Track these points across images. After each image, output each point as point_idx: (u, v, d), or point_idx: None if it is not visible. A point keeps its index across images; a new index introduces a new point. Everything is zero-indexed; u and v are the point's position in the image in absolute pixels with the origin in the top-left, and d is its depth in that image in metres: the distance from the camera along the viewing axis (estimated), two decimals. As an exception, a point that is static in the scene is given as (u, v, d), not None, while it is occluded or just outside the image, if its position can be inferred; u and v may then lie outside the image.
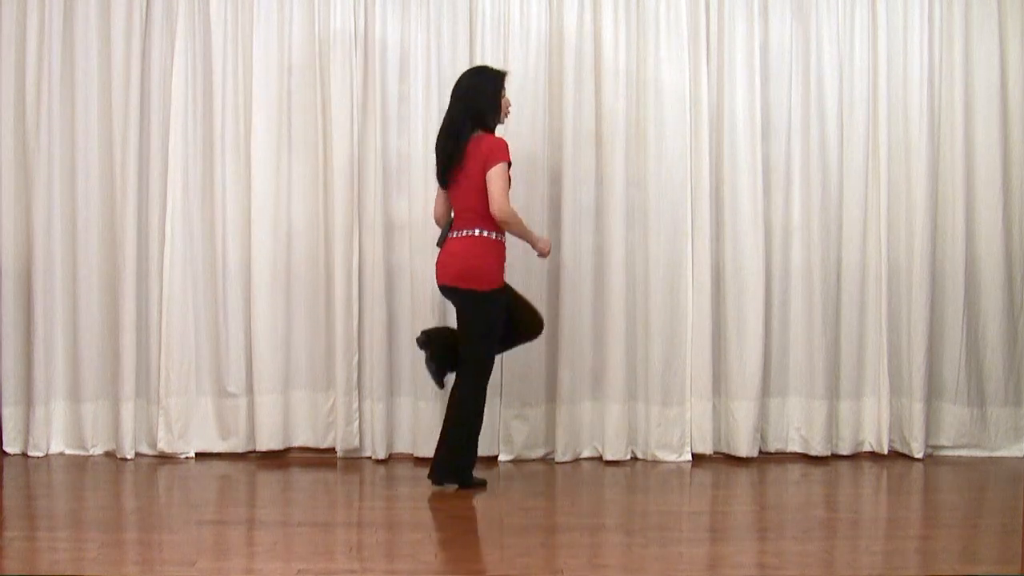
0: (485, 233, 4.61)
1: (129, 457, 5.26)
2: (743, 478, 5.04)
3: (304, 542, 3.93)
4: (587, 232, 5.31)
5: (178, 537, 4.00)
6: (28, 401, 5.31)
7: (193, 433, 5.33)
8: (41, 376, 5.29)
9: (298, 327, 5.34)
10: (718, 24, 5.35)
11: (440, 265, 4.69)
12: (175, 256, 5.27)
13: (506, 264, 4.72)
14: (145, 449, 5.35)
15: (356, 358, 5.31)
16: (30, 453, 5.30)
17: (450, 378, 4.77)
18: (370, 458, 5.33)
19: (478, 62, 5.27)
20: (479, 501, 4.61)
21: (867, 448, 5.44)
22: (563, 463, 5.28)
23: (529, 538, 4.03)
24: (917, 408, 5.36)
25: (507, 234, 4.68)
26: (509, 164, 4.59)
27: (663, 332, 5.32)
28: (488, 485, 4.79)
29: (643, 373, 5.33)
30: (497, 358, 5.27)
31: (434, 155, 5.29)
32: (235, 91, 5.30)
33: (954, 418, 5.45)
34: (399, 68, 5.34)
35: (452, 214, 4.74)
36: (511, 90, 5.24)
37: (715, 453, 5.40)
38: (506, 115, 4.79)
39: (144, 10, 5.26)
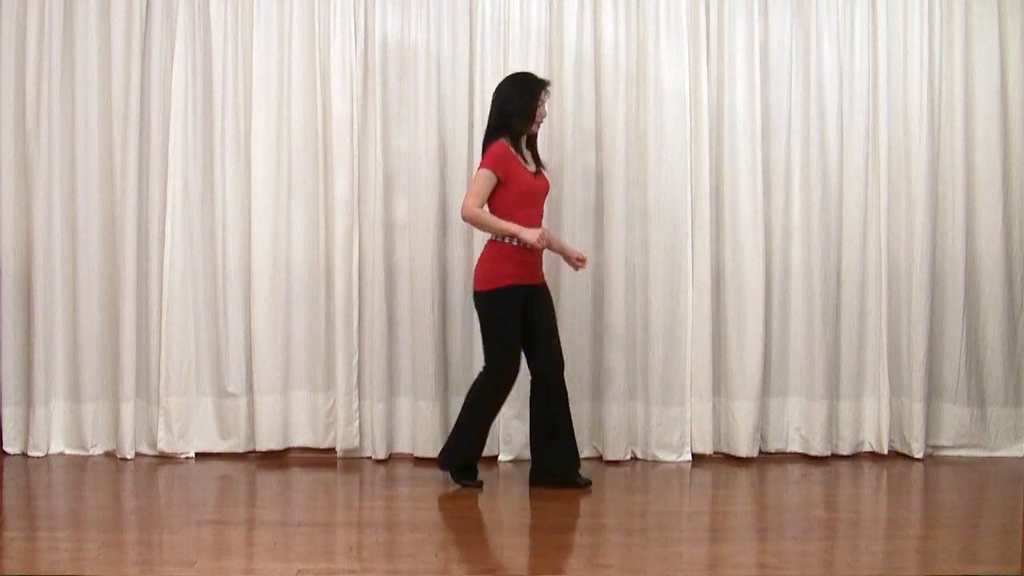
0: (495, 236, 4.68)
1: (129, 457, 5.26)
2: (743, 478, 5.04)
3: (304, 542, 3.93)
4: (587, 232, 5.32)
5: (178, 537, 4.00)
6: (28, 401, 5.31)
7: (193, 433, 5.33)
8: (41, 376, 5.29)
9: (298, 327, 5.34)
10: (718, 24, 5.35)
11: None
12: (175, 256, 5.27)
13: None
14: (145, 449, 5.35)
15: (356, 358, 5.31)
16: (30, 453, 5.30)
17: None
18: (370, 458, 5.33)
19: (478, 62, 5.28)
20: (479, 501, 4.61)
21: (867, 448, 5.44)
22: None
23: (529, 538, 4.03)
24: (917, 408, 5.36)
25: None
26: (496, 171, 4.59)
27: (663, 332, 5.31)
28: (485, 486, 4.78)
29: (643, 373, 5.33)
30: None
31: (434, 155, 5.33)
32: (235, 91, 5.30)
33: (954, 418, 5.45)
34: (399, 68, 5.34)
35: None
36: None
37: (715, 453, 5.40)
38: (538, 124, 4.77)
39: (144, 10, 5.26)
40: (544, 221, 5.28)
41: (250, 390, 5.32)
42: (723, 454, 5.41)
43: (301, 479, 5.03)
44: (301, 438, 5.36)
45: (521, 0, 5.30)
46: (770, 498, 4.78)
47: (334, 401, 5.33)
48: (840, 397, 5.41)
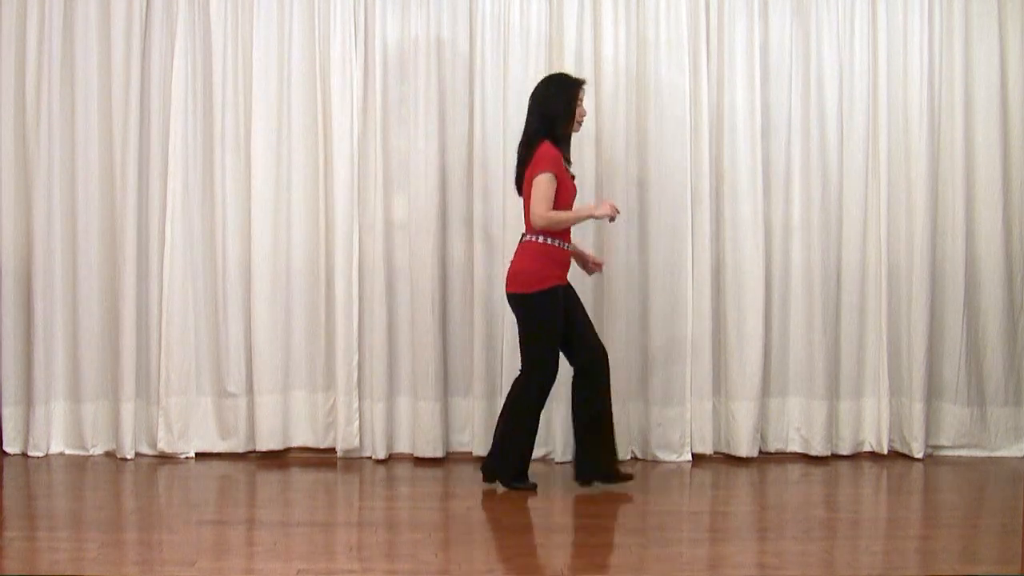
0: (531, 238, 4.61)
1: (129, 457, 5.26)
2: (743, 478, 5.04)
3: (304, 542, 3.93)
4: (587, 232, 5.31)
5: (178, 537, 4.00)
6: (28, 401, 5.31)
7: (193, 433, 5.33)
8: (41, 376, 5.29)
9: (298, 327, 5.34)
10: (718, 24, 5.35)
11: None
12: (175, 256, 5.27)
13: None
14: (145, 449, 5.34)
15: (356, 358, 5.31)
16: (30, 453, 5.30)
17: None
18: (370, 458, 5.33)
19: (478, 62, 5.28)
20: (479, 501, 4.61)
21: (867, 448, 5.44)
22: (563, 463, 5.27)
23: (529, 538, 4.03)
24: (917, 408, 5.36)
25: (570, 237, 4.67)
26: (556, 174, 4.55)
27: (663, 332, 5.31)
28: (484, 486, 4.78)
29: (643, 373, 5.33)
30: (497, 357, 5.30)
31: (434, 155, 5.32)
32: (235, 91, 5.30)
33: (954, 418, 5.45)
34: (399, 68, 5.34)
35: None
36: (513, 92, 5.27)
37: (715, 453, 5.40)
38: (579, 124, 4.75)
39: (144, 10, 5.26)
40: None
41: (250, 390, 5.32)
42: (723, 454, 5.40)
43: (301, 479, 5.03)
44: (301, 438, 5.36)
45: (521, 0, 5.30)
46: (770, 498, 4.78)
47: (334, 401, 5.33)
48: (840, 397, 5.41)
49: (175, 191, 5.27)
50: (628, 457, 5.31)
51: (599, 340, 4.76)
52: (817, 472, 5.18)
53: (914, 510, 4.70)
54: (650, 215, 5.32)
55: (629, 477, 4.75)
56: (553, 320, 4.61)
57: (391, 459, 5.34)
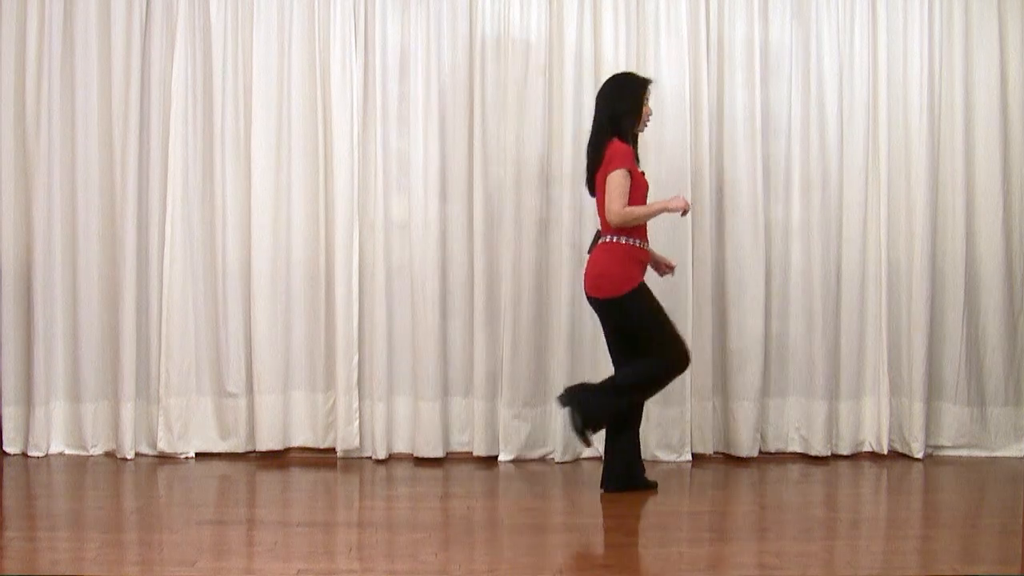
0: (612, 239, 4.56)
1: (129, 457, 5.26)
2: (743, 478, 5.04)
3: (304, 542, 3.93)
4: (587, 232, 5.30)
5: (178, 537, 4.00)
6: (28, 401, 5.31)
7: (193, 433, 5.33)
8: (41, 376, 5.29)
9: (298, 327, 5.34)
10: (718, 24, 5.35)
11: (584, 276, 4.69)
12: (175, 256, 5.27)
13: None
14: (145, 449, 5.35)
15: (356, 358, 5.31)
16: (30, 453, 5.30)
17: (597, 437, 4.72)
18: (370, 458, 5.33)
19: (478, 62, 5.28)
20: (479, 501, 4.61)
21: (867, 448, 5.44)
22: (563, 463, 5.28)
23: (529, 538, 4.03)
24: (917, 408, 5.36)
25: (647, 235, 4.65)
26: (631, 170, 4.53)
27: (663, 332, 5.31)
28: (484, 486, 4.78)
29: (643, 373, 5.33)
30: (497, 357, 5.30)
31: (434, 155, 5.31)
32: (235, 91, 5.30)
33: (954, 418, 5.45)
34: (399, 68, 5.34)
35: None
36: (513, 92, 5.27)
37: (715, 453, 5.40)
38: (646, 123, 4.73)
39: (144, 10, 5.26)
40: (544, 221, 5.31)
41: (250, 390, 5.32)
42: (723, 454, 5.41)
43: (301, 479, 5.03)
44: (301, 438, 5.36)
45: (521, 1, 5.30)
46: (770, 498, 4.78)
47: (334, 401, 5.33)
48: (840, 397, 5.41)
49: (175, 191, 5.27)
50: (628, 457, 5.31)
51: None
52: (817, 472, 5.18)
53: (914, 510, 4.69)
54: (650, 215, 5.32)
55: (654, 485, 4.74)
56: (654, 306, 4.57)
57: (391, 459, 5.34)
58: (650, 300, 4.58)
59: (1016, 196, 5.44)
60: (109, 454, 5.34)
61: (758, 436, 5.37)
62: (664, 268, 4.84)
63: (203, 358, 5.34)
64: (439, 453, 5.30)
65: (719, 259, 5.36)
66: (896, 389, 5.42)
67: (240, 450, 5.34)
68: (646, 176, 4.70)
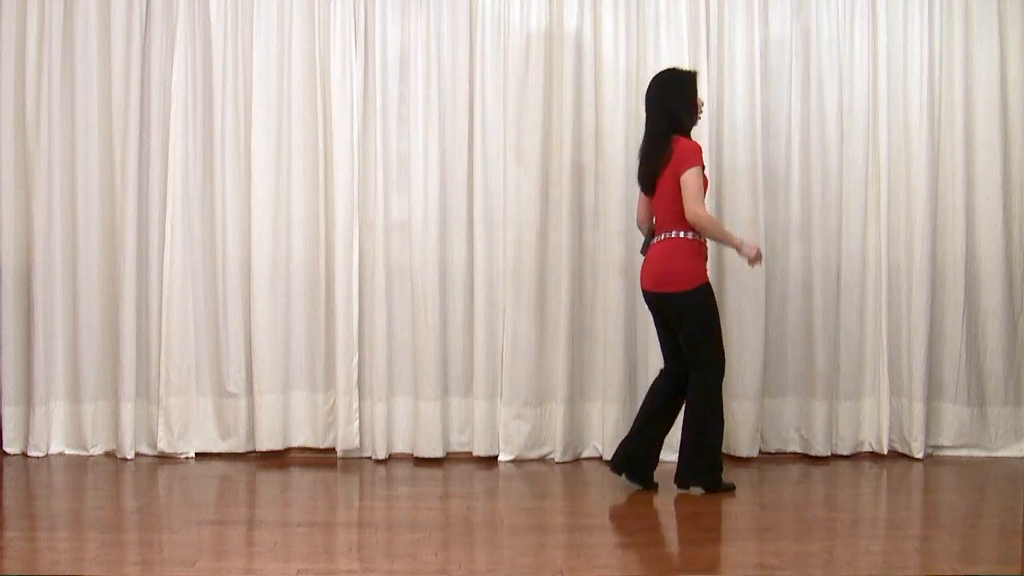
0: (680, 234, 4.56)
1: (129, 457, 5.26)
2: (743, 478, 5.03)
3: (304, 542, 3.93)
4: (587, 232, 5.31)
5: (178, 537, 4.00)
6: (28, 401, 5.31)
7: (193, 433, 5.33)
8: (41, 376, 5.29)
9: (298, 327, 5.34)
10: (718, 24, 5.35)
11: (642, 272, 4.69)
12: (175, 256, 5.27)
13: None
14: (145, 449, 5.34)
15: (356, 358, 5.31)
16: (30, 453, 5.30)
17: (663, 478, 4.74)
18: (370, 458, 5.33)
19: (478, 62, 5.28)
20: (479, 501, 4.61)
21: (867, 448, 5.44)
22: (563, 463, 5.28)
23: (529, 538, 4.03)
24: (917, 408, 5.36)
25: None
26: (703, 167, 4.55)
27: (663, 332, 5.31)
28: (484, 486, 4.78)
29: (643, 373, 5.32)
30: (497, 357, 5.30)
31: (434, 155, 5.30)
32: (235, 91, 5.30)
33: (954, 418, 5.45)
34: (399, 68, 5.34)
35: (654, 220, 4.70)
36: (513, 92, 5.27)
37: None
38: (699, 115, 4.73)
39: (144, 10, 5.26)
40: (544, 221, 5.30)
41: (250, 390, 5.32)
42: (723, 454, 5.39)
43: (301, 479, 5.03)
44: (301, 438, 5.36)
45: (521, 1, 5.30)
46: (770, 498, 4.78)
47: (334, 401, 5.33)
48: (840, 397, 5.41)
49: (175, 191, 5.26)
50: (628, 457, 5.30)
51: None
52: (817, 472, 5.18)
53: (914, 510, 4.69)
54: (650, 215, 5.31)
55: (731, 488, 4.71)
56: (716, 311, 4.61)
57: (391, 459, 5.34)
58: (713, 302, 4.63)
59: (1016, 196, 5.44)
60: (109, 454, 5.34)
61: (758, 436, 5.37)
62: (756, 259, 4.75)
63: (203, 358, 5.34)
64: (439, 453, 5.30)
65: (719, 259, 5.35)
66: (896, 389, 5.42)
67: (240, 450, 5.34)
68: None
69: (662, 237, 4.61)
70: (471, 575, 3.58)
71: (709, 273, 5.25)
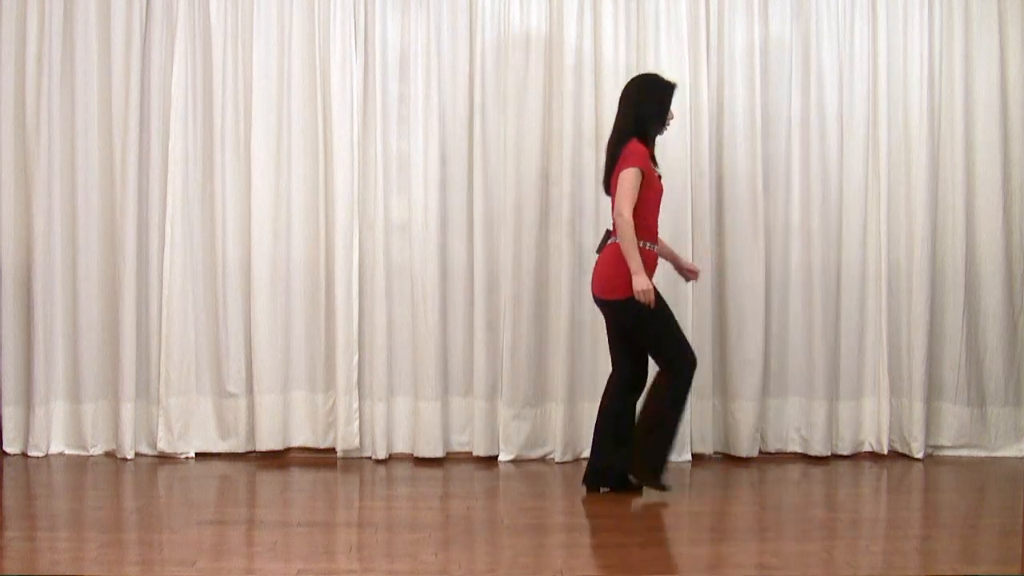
0: (619, 240, 4.53)
1: (129, 457, 5.26)
2: (743, 478, 5.04)
3: (304, 542, 3.93)
4: (587, 232, 5.31)
5: (178, 537, 4.00)
6: (28, 401, 5.31)
7: (193, 433, 5.33)
8: (41, 376, 5.29)
9: (298, 327, 5.34)
10: (718, 24, 5.35)
11: (592, 276, 4.67)
12: (175, 256, 5.27)
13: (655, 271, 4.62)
14: (145, 449, 5.35)
15: (356, 358, 5.31)
16: (30, 453, 5.30)
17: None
18: (370, 458, 5.33)
19: (478, 62, 5.28)
20: (480, 502, 4.61)
21: (867, 448, 5.44)
22: (563, 463, 5.28)
23: (529, 538, 4.03)
24: (917, 408, 5.36)
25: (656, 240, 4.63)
26: (643, 170, 4.50)
27: (663, 332, 5.31)
28: (484, 486, 4.78)
29: (643, 373, 5.33)
30: (498, 357, 5.30)
31: (434, 155, 5.31)
32: (235, 91, 5.30)
33: (954, 418, 5.45)
34: (399, 68, 5.34)
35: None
36: (513, 92, 5.27)
37: (715, 453, 5.40)
38: (667, 127, 4.71)
39: (144, 10, 5.26)
40: (544, 221, 5.30)
41: (250, 390, 5.32)
42: (723, 454, 5.40)
43: (301, 479, 5.03)
44: (301, 438, 5.36)
45: (521, 1, 5.30)
46: (770, 498, 4.78)
47: (334, 401, 5.33)
48: (840, 397, 5.41)
49: (175, 191, 5.27)
50: (628, 457, 5.30)
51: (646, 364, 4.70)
52: (817, 472, 5.18)
53: (914, 510, 4.69)
54: (650, 215, 5.31)
55: (667, 488, 4.66)
56: (662, 309, 4.54)
57: (391, 459, 5.34)
58: (661, 301, 4.56)
59: (1016, 196, 5.44)
60: (109, 454, 5.34)
61: (758, 436, 5.37)
62: (688, 272, 4.82)
63: (203, 358, 5.34)
64: (439, 453, 5.30)
65: (719, 259, 5.36)
66: (896, 389, 5.42)
67: (240, 450, 5.34)
68: (662, 180, 4.68)
69: (610, 241, 4.59)
70: (471, 575, 3.57)
71: (708, 273, 5.29)
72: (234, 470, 5.15)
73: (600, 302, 4.63)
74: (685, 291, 5.28)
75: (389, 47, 5.33)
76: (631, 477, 4.67)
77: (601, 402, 4.72)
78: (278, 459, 5.34)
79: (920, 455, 5.36)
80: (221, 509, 4.54)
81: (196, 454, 5.33)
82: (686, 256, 5.26)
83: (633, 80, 4.77)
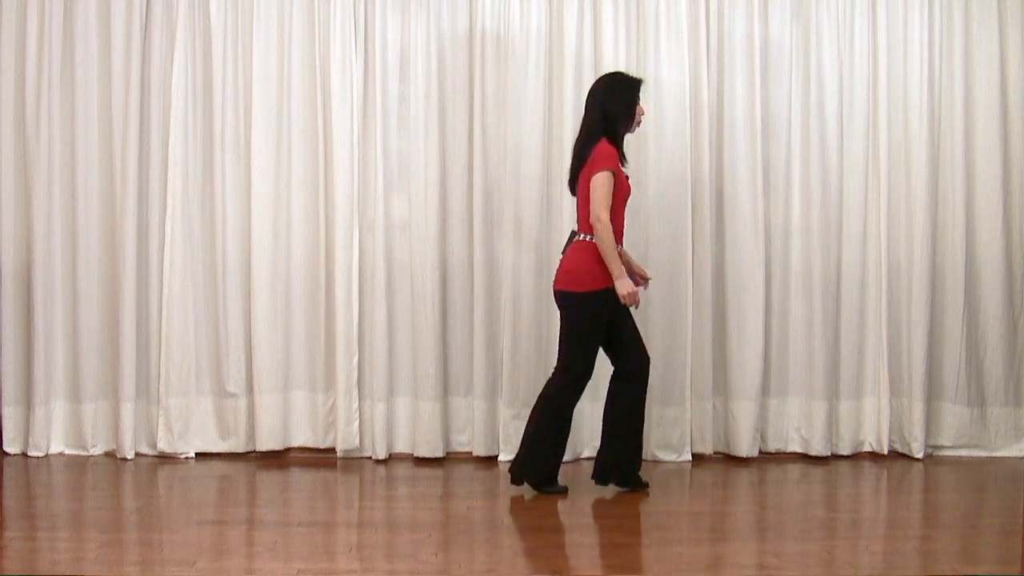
0: (587, 238, 4.54)
1: (129, 457, 5.26)
2: (743, 478, 5.04)
3: (304, 542, 3.93)
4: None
5: (178, 537, 4.00)
6: (28, 401, 5.31)
7: (193, 433, 5.33)
8: (41, 376, 5.29)
9: (298, 327, 5.34)
10: (718, 24, 5.35)
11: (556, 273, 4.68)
12: (175, 256, 5.27)
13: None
14: (145, 449, 5.34)
15: (356, 358, 5.31)
16: (30, 453, 5.30)
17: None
18: (370, 458, 5.33)
19: (478, 62, 5.28)
20: (478, 502, 4.62)
21: (867, 448, 5.44)
22: (563, 463, 5.27)
23: (529, 538, 4.03)
24: (917, 408, 5.36)
25: (622, 241, 4.63)
26: (614, 172, 4.50)
27: (663, 332, 5.31)
28: (484, 486, 4.78)
29: (643, 373, 5.33)
30: (498, 357, 5.30)
31: (434, 155, 5.30)
32: (235, 91, 5.30)
33: (954, 418, 5.45)
34: (399, 68, 5.34)
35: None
36: (512, 92, 5.27)
37: (715, 453, 5.40)
38: (638, 124, 4.72)
39: (144, 10, 5.26)
40: (544, 221, 5.31)
41: (250, 390, 5.32)
42: (723, 454, 5.40)
43: (301, 479, 5.03)
44: (301, 438, 5.36)
45: (521, 1, 5.30)
46: (770, 498, 4.78)
47: (334, 401, 5.33)
48: (840, 397, 5.41)
49: (175, 191, 5.26)
50: (628, 457, 5.30)
51: (645, 347, 4.73)
52: (817, 472, 5.18)
53: (914, 510, 4.70)
54: (650, 215, 5.31)
55: (645, 485, 4.72)
56: (598, 322, 4.56)
57: (391, 459, 5.34)
58: (599, 312, 4.53)
59: (1016, 196, 5.44)
60: (109, 454, 5.34)
61: (758, 436, 5.37)
62: (638, 279, 4.78)
63: (203, 358, 5.34)
64: (439, 453, 5.30)
65: (719, 259, 5.36)
66: (896, 389, 5.42)
67: (240, 450, 5.34)
68: (630, 181, 4.69)
69: (575, 239, 4.60)
70: (471, 575, 3.58)
71: (707, 272, 5.29)
72: (234, 470, 5.15)
73: (556, 293, 4.63)
74: (685, 291, 5.29)
75: (389, 47, 5.33)
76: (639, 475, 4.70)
77: (606, 399, 4.74)
78: (278, 459, 5.34)
79: (920, 455, 5.36)
80: (221, 509, 4.54)
81: (196, 454, 5.33)
82: (685, 257, 5.28)
83: (599, 79, 4.77)
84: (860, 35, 5.39)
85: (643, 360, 4.70)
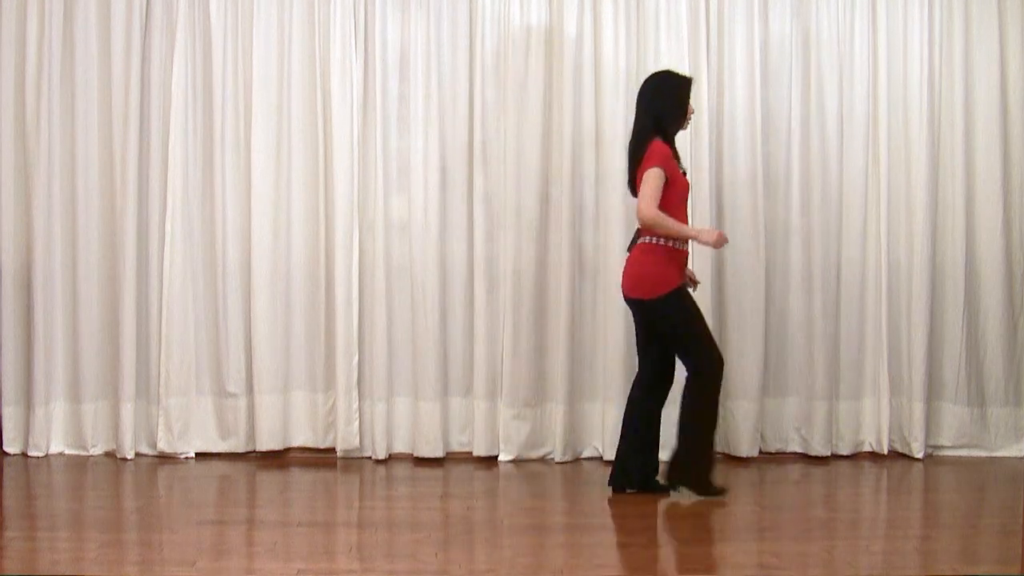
0: (651, 240, 4.51)
1: (129, 457, 5.26)
2: (743, 478, 5.04)
3: (304, 542, 3.93)
4: (587, 232, 5.32)
5: (178, 537, 4.00)
6: (28, 401, 5.31)
7: (193, 433, 5.33)
8: (41, 376, 5.29)
9: (298, 327, 5.34)
10: (718, 24, 5.35)
11: (622, 275, 4.65)
12: (175, 256, 5.27)
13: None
14: (145, 449, 5.35)
15: (356, 358, 5.31)
16: (30, 453, 5.30)
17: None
18: (370, 458, 5.33)
19: (478, 62, 5.28)
20: (479, 501, 4.61)
21: (867, 448, 5.44)
22: (563, 463, 5.28)
23: (529, 538, 4.03)
24: (917, 408, 5.36)
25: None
26: (666, 169, 4.46)
27: (663, 332, 5.31)
28: (484, 486, 4.78)
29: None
30: (498, 357, 5.30)
31: (434, 155, 5.31)
32: (235, 91, 5.30)
33: (954, 418, 5.45)
34: (399, 68, 5.34)
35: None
36: (512, 92, 5.27)
37: (715, 453, 5.39)
38: (689, 121, 4.70)
39: (144, 10, 5.26)
40: (544, 221, 5.31)
41: (250, 390, 5.32)
42: (723, 454, 5.40)
43: (301, 479, 5.03)
44: (301, 438, 5.36)
45: (521, 0, 5.30)
46: (770, 498, 4.78)
47: (334, 401, 5.33)
48: (840, 397, 5.41)
49: (175, 191, 5.27)
50: (628, 457, 5.30)
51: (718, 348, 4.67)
52: (817, 472, 5.18)
53: (914, 510, 4.69)
54: (650, 215, 5.31)
55: (722, 492, 4.62)
56: (692, 311, 4.53)
57: (391, 459, 5.34)
58: (687, 304, 4.55)
59: (1016, 196, 5.44)
60: (109, 454, 5.34)
61: (758, 436, 5.37)
62: (691, 282, 4.78)
63: (203, 358, 5.34)
64: (439, 453, 5.30)
65: (719, 259, 5.36)
66: (896, 389, 5.42)
67: (240, 450, 5.34)
68: (687, 176, 4.66)
69: (639, 241, 4.58)
70: (471, 575, 3.58)
71: (708, 274, 5.28)
72: (234, 470, 5.15)
73: (629, 301, 4.61)
74: (685, 291, 5.29)
75: (389, 47, 5.34)
76: (660, 479, 4.68)
77: (627, 403, 4.72)
78: (278, 459, 5.34)
79: (920, 455, 5.36)
80: (221, 509, 4.54)
81: (196, 454, 5.33)
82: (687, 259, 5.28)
83: (648, 79, 4.73)
84: (860, 35, 5.39)
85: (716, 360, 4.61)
